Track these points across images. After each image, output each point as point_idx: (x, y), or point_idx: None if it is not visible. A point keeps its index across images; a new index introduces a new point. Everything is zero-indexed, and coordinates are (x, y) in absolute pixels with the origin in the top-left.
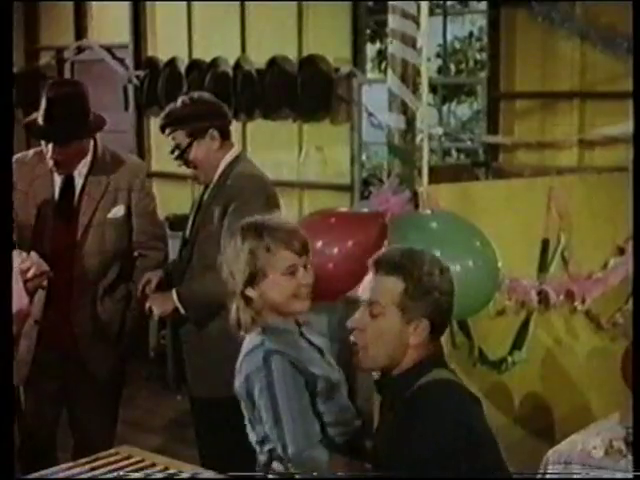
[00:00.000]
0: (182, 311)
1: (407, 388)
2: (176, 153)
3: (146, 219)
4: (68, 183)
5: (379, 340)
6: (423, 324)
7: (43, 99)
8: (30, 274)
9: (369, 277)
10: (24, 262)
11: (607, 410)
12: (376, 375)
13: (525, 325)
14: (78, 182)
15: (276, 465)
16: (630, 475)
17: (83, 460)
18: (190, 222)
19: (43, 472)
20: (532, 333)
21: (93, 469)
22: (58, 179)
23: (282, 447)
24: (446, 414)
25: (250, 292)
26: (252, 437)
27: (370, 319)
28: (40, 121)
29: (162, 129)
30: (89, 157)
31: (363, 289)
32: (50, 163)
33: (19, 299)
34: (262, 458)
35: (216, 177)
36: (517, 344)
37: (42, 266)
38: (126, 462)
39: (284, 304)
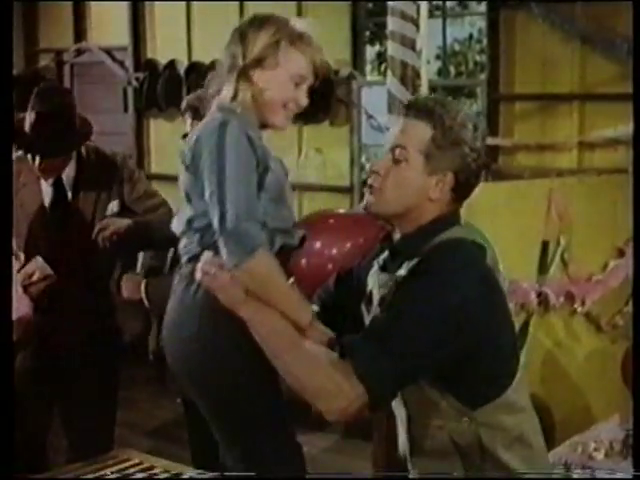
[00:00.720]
0: (146, 303)
1: (422, 245)
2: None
3: (141, 198)
4: (58, 190)
5: (398, 187)
6: (447, 178)
7: (30, 110)
8: (34, 278)
9: (397, 121)
10: (29, 266)
11: (607, 412)
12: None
13: (524, 327)
14: (68, 186)
15: (207, 255)
16: (630, 476)
17: (80, 464)
18: None
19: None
20: (532, 335)
21: (92, 472)
22: (46, 186)
23: (220, 215)
24: (467, 270)
25: (251, 71)
26: (182, 217)
27: (392, 164)
28: (27, 130)
29: (184, 111)
30: (74, 160)
31: (390, 134)
32: (36, 172)
33: (21, 305)
34: (189, 248)
35: None
36: None
37: (46, 270)
38: (125, 465)
39: (270, 106)
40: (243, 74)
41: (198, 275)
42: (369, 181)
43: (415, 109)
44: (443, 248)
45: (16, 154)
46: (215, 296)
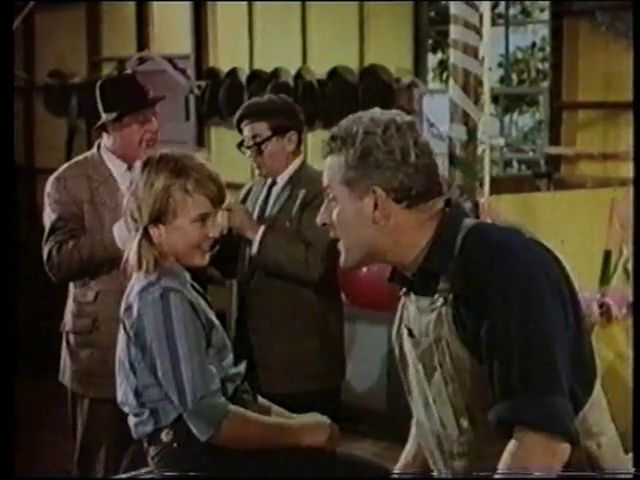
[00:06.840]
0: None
1: (449, 258)
2: (251, 142)
3: None
4: None
5: (344, 228)
6: (377, 194)
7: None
8: None
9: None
10: None
11: None
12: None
13: None
14: None
15: (164, 435)
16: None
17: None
18: (256, 216)
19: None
20: (594, 347)
21: None
22: (124, 182)
23: (179, 394)
24: (522, 244)
25: (153, 230)
26: (126, 387)
27: (332, 210)
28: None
29: (241, 119)
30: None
31: None
32: (142, 145)
33: None
34: (142, 429)
35: (286, 178)
36: None
37: None
38: None
39: (185, 253)
40: (144, 236)
41: None
42: (331, 235)
43: (327, 144)
44: (481, 244)
45: (77, 158)
46: None
